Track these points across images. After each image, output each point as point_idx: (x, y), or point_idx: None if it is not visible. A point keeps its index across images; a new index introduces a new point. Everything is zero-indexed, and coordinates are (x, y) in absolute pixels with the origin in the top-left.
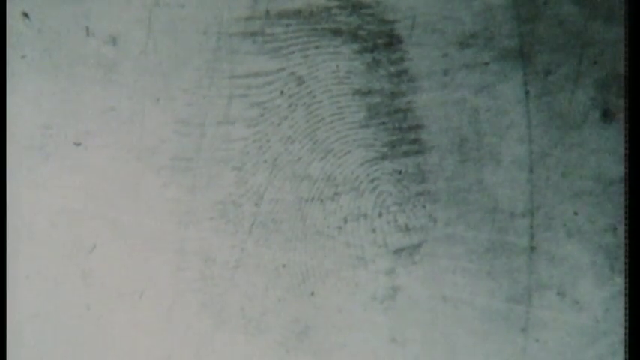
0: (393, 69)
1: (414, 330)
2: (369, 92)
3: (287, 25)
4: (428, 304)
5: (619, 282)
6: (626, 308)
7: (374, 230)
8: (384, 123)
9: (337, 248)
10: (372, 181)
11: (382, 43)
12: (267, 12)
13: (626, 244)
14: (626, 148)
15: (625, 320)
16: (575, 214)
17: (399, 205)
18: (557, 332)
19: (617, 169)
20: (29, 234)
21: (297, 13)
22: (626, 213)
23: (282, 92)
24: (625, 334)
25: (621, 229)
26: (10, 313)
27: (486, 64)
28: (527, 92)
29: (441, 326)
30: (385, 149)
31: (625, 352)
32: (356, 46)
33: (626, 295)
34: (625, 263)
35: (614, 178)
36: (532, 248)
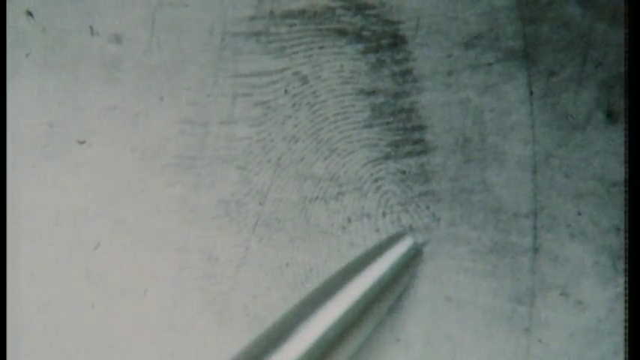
0: (397, 69)
1: (417, 330)
2: (373, 92)
3: (291, 25)
4: (431, 304)
5: (622, 283)
6: (626, 307)
7: (377, 230)
8: (387, 123)
9: (341, 248)
10: (376, 180)
11: (386, 43)
12: (272, 12)
13: (626, 246)
14: (626, 149)
15: (625, 321)
16: (579, 214)
17: (402, 205)
18: (561, 333)
19: (620, 169)
20: (32, 232)
21: (302, 13)
22: (626, 214)
23: (286, 92)
24: (625, 336)
25: (624, 230)
26: (14, 310)
27: (490, 64)
28: (531, 93)
29: (444, 326)
30: (389, 149)
31: (625, 352)
32: (360, 47)
33: (626, 298)
34: (625, 265)
35: (617, 179)
36: (535, 249)
